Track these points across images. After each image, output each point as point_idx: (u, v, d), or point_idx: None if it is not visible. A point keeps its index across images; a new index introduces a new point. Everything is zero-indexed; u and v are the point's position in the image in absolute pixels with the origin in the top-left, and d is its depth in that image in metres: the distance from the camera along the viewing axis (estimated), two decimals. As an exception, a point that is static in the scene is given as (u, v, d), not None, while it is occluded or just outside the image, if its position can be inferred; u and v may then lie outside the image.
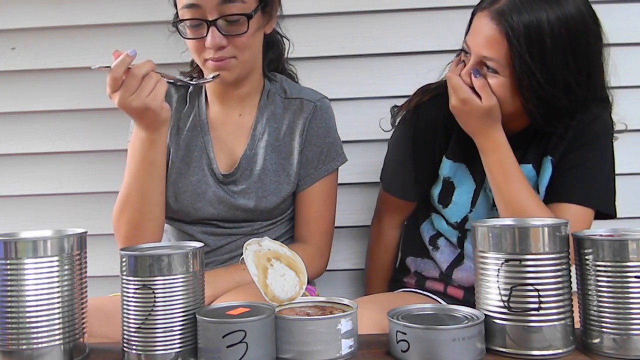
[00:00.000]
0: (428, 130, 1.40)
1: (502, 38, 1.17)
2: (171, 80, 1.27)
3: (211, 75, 1.28)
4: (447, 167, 1.39)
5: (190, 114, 1.41)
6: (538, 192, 1.32)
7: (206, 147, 1.38)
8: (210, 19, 1.23)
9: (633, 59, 1.73)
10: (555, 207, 1.28)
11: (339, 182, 1.47)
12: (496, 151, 1.25)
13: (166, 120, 1.21)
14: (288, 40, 1.50)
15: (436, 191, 1.41)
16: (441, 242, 1.43)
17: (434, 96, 1.40)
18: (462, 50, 1.29)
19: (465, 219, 1.38)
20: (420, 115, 1.41)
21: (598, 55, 1.25)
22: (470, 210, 1.38)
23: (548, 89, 1.18)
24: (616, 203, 1.34)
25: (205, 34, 1.25)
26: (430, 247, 1.43)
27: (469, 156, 1.36)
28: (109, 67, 1.12)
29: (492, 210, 1.36)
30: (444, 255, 1.41)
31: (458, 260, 1.40)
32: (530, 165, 1.33)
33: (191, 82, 1.33)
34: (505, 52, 1.18)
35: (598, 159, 1.30)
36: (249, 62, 1.33)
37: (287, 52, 1.52)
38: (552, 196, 1.31)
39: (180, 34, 1.29)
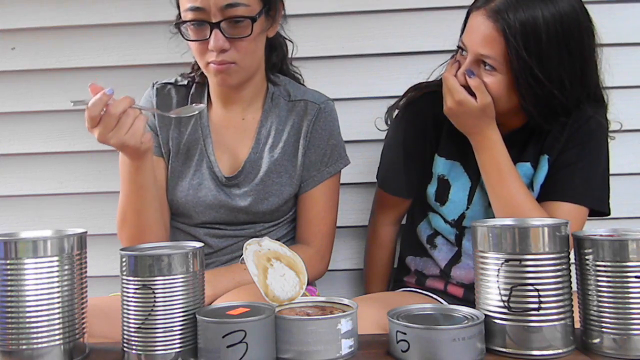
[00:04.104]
0: (418, 127, 1.42)
1: (499, 36, 1.19)
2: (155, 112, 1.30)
3: (196, 106, 1.28)
4: (440, 165, 1.40)
5: (192, 117, 1.41)
6: (532, 190, 1.33)
7: (207, 150, 1.38)
8: (214, 21, 1.23)
9: (633, 58, 1.73)
10: (548, 205, 1.29)
11: (342, 181, 1.47)
12: (491, 149, 1.26)
13: (148, 149, 1.21)
14: (292, 42, 1.50)
15: (432, 190, 1.42)
16: (438, 240, 1.43)
17: (424, 94, 1.42)
18: (458, 48, 1.29)
19: (462, 217, 1.39)
20: (411, 112, 1.43)
21: (591, 52, 1.26)
22: (467, 208, 1.38)
23: (544, 86, 1.20)
24: (611, 201, 1.35)
25: (208, 36, 1.24)
26: (428, 246, 1.44)
27: (463, 154, 1.37)
28: (86, 104, 1.11)
29: (489, 208, 1.36)
30: (441, 254, 1.41)
31: (456, 258, 1.40)
32: (528, 164, 1.34)
33: (171, 115, 1.30)
34: (503, 49, 1.19)
35: (592, 157, 1.31)
36: (250, 67, 1.32)
37: (291, 54, 1.51)
38: (546, 194, 1.32)
39: (182, 35, 1.28)
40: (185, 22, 1.26)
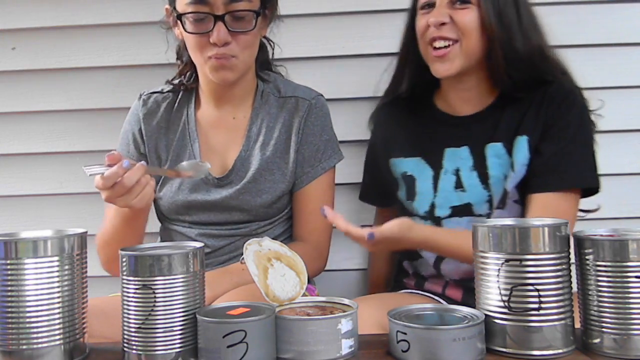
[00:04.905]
0: (379, 136, 1.48)
1: None
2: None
3: (202, 165, 1.25)
4: (402, 165, 1.42)
5: (180, 123, 1.42)
6: (513, 171, 1.31)
7: (195, 154, 1.38)
8: (218, 14, 1.23)
9: (633, 59, 1.73)
10: (540, 197, 1.28)
11: (337, 181, 1.47)
12: (427, 244, 1.26)
13: (149, 205, 1.21)
14: (273, 42, 1.50)
15: (402, 193, 1.43)
16: None
17: (385, 103, 1.50)
18: (423, 7, 1.35)
19: (432, 206, 1.38)
20: (374, 122, 1.51)
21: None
22: (435, 196, 1.38)
23: (506, 20, 1.28)
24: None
25: (210, 29, 1.24)
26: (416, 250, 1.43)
27: (421, 148, 1.40)
28: (101, 173, 1.10)
29: (456, 191, 1.35)
30: (427, 252, 1.40)
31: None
32: (500, 144, 1.34)
33: (182, 176, 1.28)
34: None
35: (576, 137, 1.30)
36: (248, 62, 1.33)
37: (272, 54, 1.51)
38: (535, 187, 1.30)
39: (184, 28, 1.27)
40: (189, 13, 1.25)
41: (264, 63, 1.47)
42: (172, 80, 1.45)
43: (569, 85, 1.34)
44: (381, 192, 1.52)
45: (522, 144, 1.32)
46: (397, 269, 1.54)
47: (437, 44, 1.31)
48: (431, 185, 1.38)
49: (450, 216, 1.35)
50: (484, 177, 1.34)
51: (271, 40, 1.49)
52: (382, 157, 1.47)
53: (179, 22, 1.28)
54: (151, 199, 1.17)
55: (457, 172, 1.36)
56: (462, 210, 1.34)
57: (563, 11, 1.71)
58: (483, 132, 1.35)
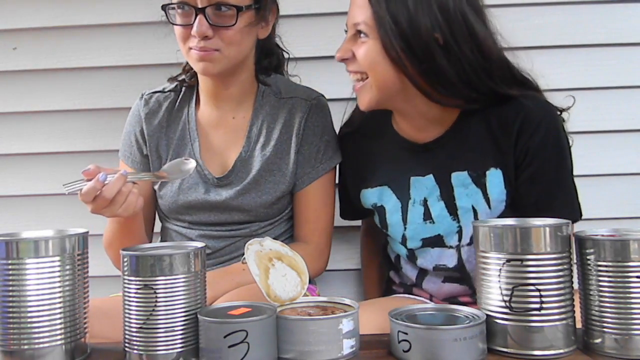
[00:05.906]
0: (349, 166, 1.44)
1: (366, 0, 1.19)
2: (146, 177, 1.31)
3: (186, 162, 1.24)
4: (370, 196, 1.37)
5: (179, 122, 1.42)
6: (489, 207, 1.25)
7: (195, 154, 1.38)
8: (199, 6, 1.24)
9: (633, 58, 1.73)
10: None
11: (340, 181, 1.47)
12: None
13: (139, 211, 1.20)
14: (289, 54, 1.50)
15: (377, 219, 1.38)
16: (402, 261, 1.40)
17: (348, 131, 1.44)
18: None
19: (404, 238, 1.34)
20: (343, 151, 1.44)
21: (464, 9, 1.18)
22: (405, 228, 1.32)
23: (414, 39, 1.15)
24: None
25: (192, 22, 1.24)
26: (398, 267, 1.42)
27: (388, 178, 1.34)
28: (80, 189, 1.11)
29: (425, 223, 1.30)
30: (407, 272, 1.39)
31: (422, 274, 1.36)
32: (465, 173, 1.26)
33: (165, 179, 1.27)
34: (370, 11, 1.18)
35: (560, 170, 1.24)
36: (234, 58, 1.31)
37: (287, 66, 1.51)
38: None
39: (168, 19, 1.28)
40: (171, 4, 1.26)
41: (268, 69, 1.45)
42: (176, 76, 1.45)
43: (539, 111, 1.22)
44: (360, 212, 1.47)
45: (496, 179, 1.24)
46: (386, 278, 1.52)
47: (351, 77, 1.26)
48: (400, 217, 1.32)
49: (422, 247, 1.31)
50: (452, 208, 1.27)
51: (284, 50, 1.48)
52: (352, 189, 1.42)
53: (168, 12, 1.28)
54: (138, 206, 1.17)
55: (425, 203, 1.30)
56: (433, 242, 1.30)
57: (563, 11, 1.72)
58: (447, 159, 1.27)
